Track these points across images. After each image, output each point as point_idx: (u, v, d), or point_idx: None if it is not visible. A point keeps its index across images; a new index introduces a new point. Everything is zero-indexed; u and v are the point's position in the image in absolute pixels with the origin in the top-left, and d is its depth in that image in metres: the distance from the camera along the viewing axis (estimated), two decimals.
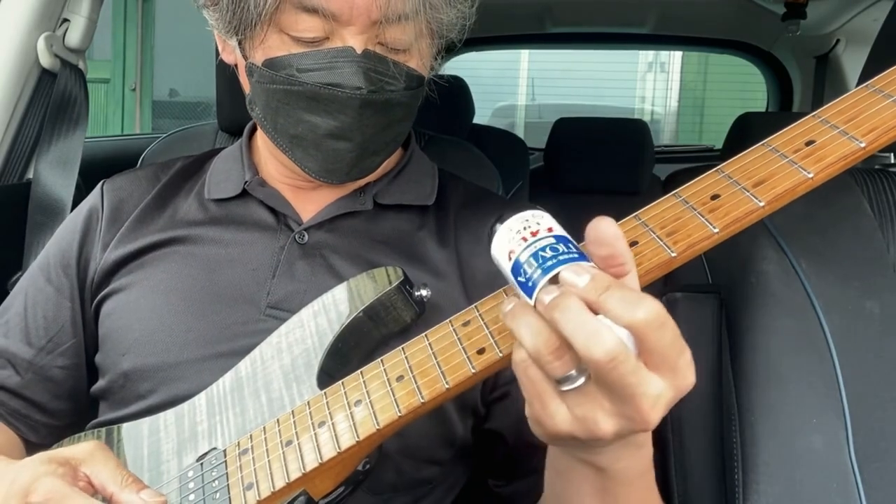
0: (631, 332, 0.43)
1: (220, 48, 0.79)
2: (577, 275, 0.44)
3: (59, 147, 1.19)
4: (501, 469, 0.78)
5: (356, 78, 0.67)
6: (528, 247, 0.47)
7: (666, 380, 0.44)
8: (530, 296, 0.46)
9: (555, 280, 0.45)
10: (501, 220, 0.49)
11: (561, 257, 0.46)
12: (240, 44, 0.73)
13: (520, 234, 0.48)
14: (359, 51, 0.68)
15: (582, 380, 0.45)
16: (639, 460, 0.54)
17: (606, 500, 0.55)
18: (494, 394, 0.75)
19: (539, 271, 0.46)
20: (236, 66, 0.78)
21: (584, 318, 0.43)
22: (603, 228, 0.46)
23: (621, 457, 0.52)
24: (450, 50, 0.79)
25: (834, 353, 0.92)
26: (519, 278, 0.47)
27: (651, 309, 0.42)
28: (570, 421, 0.46)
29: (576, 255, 0.46)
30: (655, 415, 0.44)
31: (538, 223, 0.48)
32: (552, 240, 0.47)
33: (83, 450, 0.59)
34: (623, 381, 0.43)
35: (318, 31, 0.68)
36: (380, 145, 0.74)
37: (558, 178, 2.37)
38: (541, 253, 0.46)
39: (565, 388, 0.45)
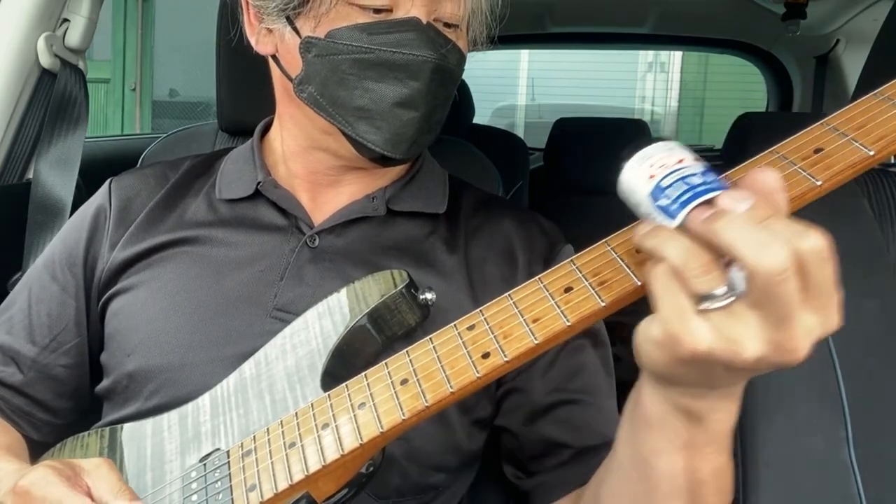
0: (796, 260, 0.41)
1: (253, 41, 0.78)
2: (736, 201, 0.42)
3: (59, 147, 1.18)
4: (519, 463, 0.77)
5: (425, 46, 0.70)
6: (673, 171, 0.46)
7: (817, 315, 0.42)
8: (674, 217, 0.44)
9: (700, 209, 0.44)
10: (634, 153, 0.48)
11: (712, 185, 0.44)
12: (290, 22, 0.73)
13: (664, 160, 0.46)
14: (424, 21, 0.70)
15: (732, 298, 0.43)
16: (730, 416, 0.51)
17: (692, 457, 0.52)
18: (500, 391, 0.76)
19: (689, 194, 0.44)
20: (275, 54, 0.77)
21: (753, 229, 0.41)
22: (768, 181, 0.44)
23: (720, 407, 0.50)
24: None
25: (834, 353, 0.93)
26: (660, 202, 0.45)
27: (819, 240, 0.41)
28: (712, 339, 0.43)
29: (728, 187, 0.45)
30: (805, 346, 0.42)
31: (683, 153, 0.47)
32: (701, 168, 0.46)
33: (91, 462, 0.60)
34: (787, 299, 0.41)
35: (385, 0, 0.70)
36: (434, 123, 0.76)
37: (558, 178, 2.37)
38: (690, 178, 0.45)
39: (707, 305, 0.43)
